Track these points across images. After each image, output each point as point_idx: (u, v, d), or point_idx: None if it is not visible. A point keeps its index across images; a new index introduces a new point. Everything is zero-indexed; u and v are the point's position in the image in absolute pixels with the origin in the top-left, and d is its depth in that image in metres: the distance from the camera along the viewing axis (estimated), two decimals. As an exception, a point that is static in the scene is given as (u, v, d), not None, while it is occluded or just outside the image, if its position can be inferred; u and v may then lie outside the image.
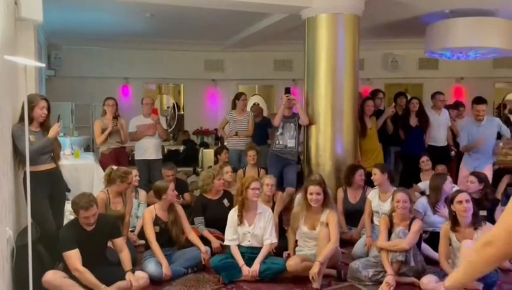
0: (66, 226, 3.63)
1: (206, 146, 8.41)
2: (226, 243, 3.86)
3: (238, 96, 6.31)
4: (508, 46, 5.76)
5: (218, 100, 9.19)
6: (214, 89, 9.16)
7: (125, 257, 3.46)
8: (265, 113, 8.04)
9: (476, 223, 3.37)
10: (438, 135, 5.99)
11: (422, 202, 4.30)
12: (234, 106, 6.37)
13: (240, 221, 3.77)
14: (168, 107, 10.15)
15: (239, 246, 3.80)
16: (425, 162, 5.34)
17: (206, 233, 4.29)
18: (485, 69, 8.45)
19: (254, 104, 8.76)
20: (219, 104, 9.15)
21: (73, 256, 3.23)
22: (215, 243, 4.19)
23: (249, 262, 3.72)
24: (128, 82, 8.74)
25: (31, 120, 3.50)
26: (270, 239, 3.76)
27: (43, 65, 4.68)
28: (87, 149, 7.01)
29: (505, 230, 1.14)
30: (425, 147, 6.14)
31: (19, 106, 3.58)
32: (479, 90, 8.10)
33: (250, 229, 3.79)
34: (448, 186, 4.20)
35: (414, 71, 8.85)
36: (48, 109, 3.74)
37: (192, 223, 4.36)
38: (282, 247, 4.05)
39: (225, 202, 4.54)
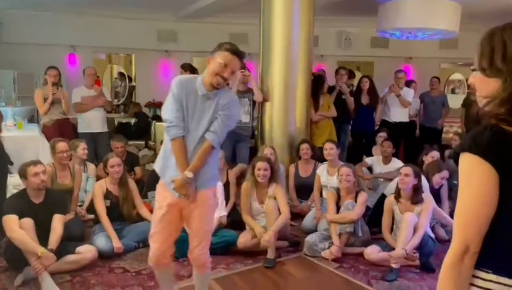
0: (13, 195, 3.50)
1: (158, 119, 8.24)
2: None
3: (185, 66, 6.15)
4: (453, 28, 6.01)
5: (171, 72, 8.96)
6: (167, 61, 8.93)
7: (56, 236, 3.21)
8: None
9: (415, 198, 3.56)
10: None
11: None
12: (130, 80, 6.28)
13: None
14: (116, 78, 9.80)
15: None
16: (381, 137, 5.56)
17: None
18: (431, 50, 8.80)
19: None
20: (172, 76, 8.89)
21: (11, 221, 3.10)
22: None
23: None
24: (76, 51, 8.32)
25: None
26: (219, 212, 3.80)
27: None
28: (31, 119, 6.68)
29: (477, 226, 1.06)
30: (375, 124, 6.43)
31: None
32: (425, 70, 8.51)
33: None
34: (437, 180, 3.99)
35: (366, 49, 9.04)
36: None
37: (144, 197, 4.31)
38: (235, 221, 4.12)
39: None
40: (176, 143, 2.36)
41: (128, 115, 8.67)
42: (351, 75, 7.01)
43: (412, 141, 6.70)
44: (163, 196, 2.45)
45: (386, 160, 5.18)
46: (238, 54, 2.32)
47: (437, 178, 3.97)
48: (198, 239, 2.51)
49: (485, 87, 1.10)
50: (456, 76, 10.11)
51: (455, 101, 8.10)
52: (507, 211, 1.04)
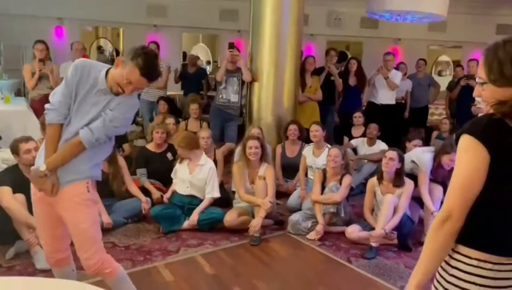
0: (6, 169, 3.54)
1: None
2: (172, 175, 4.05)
3: (148, 44, 6.15)
4: (441, 12, 6.06)
5: (159, 48, 8.89)
6: (156, 36, 8.83)
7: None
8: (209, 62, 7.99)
9: (397, 181, 3.70)
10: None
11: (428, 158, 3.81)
12: (118, 54, 6.28)
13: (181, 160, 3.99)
14: (102, 49, 9.66)
15: (179, 194, 3.93)
16: (357, 117, 5.66)
17: (148, 184, 4.34)
18: (420, 32, 8.87)
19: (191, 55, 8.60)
20: (161, 52, 8.85)
21: (4, 192, 3.15)
22: (156, 194, 4.26)
23: (188, 213, 3.88)
24: (63, 23, 8.19)
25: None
26: (211, 193, 3.90)
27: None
28: (17, 93, 6.62)
29: (464, 197, 1.20)
30: (361, 105, 6.53)
31: None
32: (414, 51, 8.59)
33: (190, 177, 3.93)
34: (446, 161, 3.69)
35: (356, 29, 9.07)
36: None
37: (133, 173, 4.38)
38: (222, 199, 4.23)
39: (169, 155, 4.57)
40: (51, 129, 2.12)
41: (115, 90, 8.60)
42: (343, 56, 7.05)
43: (399, 123, 6.81)
44: (34, 188, 2.21)
45: (371, 142, 5.30)
46: (148, 77, 2.05)
47: (446, 159, 3.70)
48: (77, 241, 2.19)
49: (496, 95, 1.22)
50: (444, 58, 10.23)
51: (442, 83, 8.24)
52: (492, 190, 1.19)
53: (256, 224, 3.68)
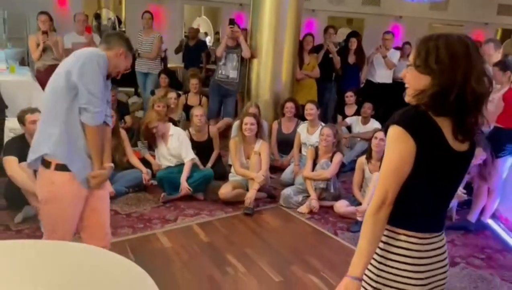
0: (13, 138, 3.70)
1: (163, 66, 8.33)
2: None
3: (142, 14, 6.19)
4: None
5: (161, 20, 8.91)
6: (157, 7, 8.84)
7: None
8: (210, 35, 8.00)
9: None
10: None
11: None
12: (120, 24, 6.33)
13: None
14: (109, 19, 9.70)
15: (169, 168, 4.19)
16: (348, 97, 5.81)
17: (148, 156, 4.54)
18: (422, 10, 8.88)
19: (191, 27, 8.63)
20: (163, 25, 8.90)
21: (11, 161, 3.32)
22: (156, 165, 4.46)
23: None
24: (65, -9, 8.18)
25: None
26: (187, 156, 4.14)
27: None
28: (22, 62, 6.72)
29: (393, 184, 1.33)
30: (360, 83, 6.65)
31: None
32: (415, 29, 8.63)
33: (167, 150, 4.21)
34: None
35: (358, 6, 9.07)
36: None
37: (134, 145, 4.57)
38: (219, 172, 4.44)
39: None
40: (100, 130, 2.14)
41: (118, 61, 8.68)
42: (354, 35, 7.02)
43: (397, 102, 6.91)
44: (70, 191, 2.14)
45: (365, 120, 5.47)
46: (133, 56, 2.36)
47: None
48: (107, 219, 2.41)
49: (417, 81, 1.35)
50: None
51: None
52: (418, 176, 1.34)
53: (250, 196, 3.91)
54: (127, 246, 3.18)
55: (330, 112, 6.32)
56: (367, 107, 5.44)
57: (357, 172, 4.08)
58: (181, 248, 3.22)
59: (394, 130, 1.33)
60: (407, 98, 1.40)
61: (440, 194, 1.44)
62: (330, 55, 6.22)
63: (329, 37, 6.23)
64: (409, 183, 1.35)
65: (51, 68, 5.55)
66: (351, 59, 6.40)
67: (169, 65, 8.33)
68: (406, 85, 1.41)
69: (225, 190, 4.04)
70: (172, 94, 5.40)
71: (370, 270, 1.45)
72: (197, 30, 8.24)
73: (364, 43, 6.62)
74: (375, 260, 1.44)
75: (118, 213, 3.73)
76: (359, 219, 3.73)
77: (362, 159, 4.05)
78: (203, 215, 3.83)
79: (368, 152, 4.02)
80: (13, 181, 3.37)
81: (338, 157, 4.11)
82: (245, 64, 5.58)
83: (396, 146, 1.33)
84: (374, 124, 5.35)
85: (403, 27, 9.26)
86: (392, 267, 1.42)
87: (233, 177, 4.26)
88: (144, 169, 4.25)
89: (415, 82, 1.37)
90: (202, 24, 10.24)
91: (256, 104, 4.91)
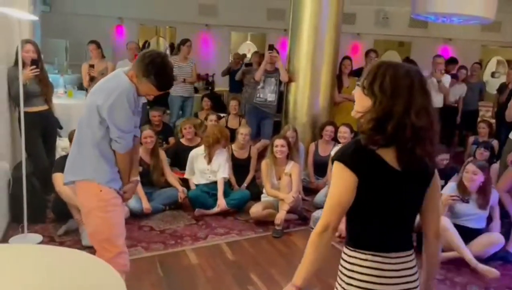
0: (62, 156, 4.02)
1: (195, 91, 8.70)
2: (185, 175, 4.58)
3: (183, 41, 6.46)
4: (488, 15, 5.92)
5: (210, 46, 9.33)
6: (206, 35, 9.27)
7: None
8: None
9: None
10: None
11: (451, 186, 3.73)
12: (177, 52, 6.56)
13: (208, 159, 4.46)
14: (148, 44, 10.24)
15: (201, 185, 4.42)
16: None
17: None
18: (473, 32, 8.61)
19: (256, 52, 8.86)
20: (211, 50, 9.31)
21: (58, 178, 3.55)
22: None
23: (214, 198, 4.35)
24: (123, 22, 8.83)
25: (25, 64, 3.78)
26: (222, 174, 4.37)
27: (36, 18, 4.84)
28: (80, 87, 7.28)
29: (336, 212, 1.43)
30: None
31: (13, 51, 3.86)
32: (467, 52, 8.37)
33: (208, 167, 4.42)
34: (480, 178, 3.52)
35: (404, 29, 8.97)
36: (38, 52, 3.98)
37: (173, 165, 4.80)
38: (252, 192, 4.56)
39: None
40: (129, 154, 2.31)
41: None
42: (453, 62, 7.01)
43: (449, 127, 6.75)
44: (115, 196, 2.31)
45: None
46: (166, 88, 2.30)
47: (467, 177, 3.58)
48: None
49: (361, 101, 1.43)
50: (498, 59, 9.83)
51: (494, 85, 8.00)
52: (361, 204, 1.43)
53: (279, 217, 3.95)
54: (156, 261, 3.34)
55: None
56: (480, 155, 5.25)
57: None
58: (207, 265, 3.32)
59: (336, 165, 1.43)
60: (352, 113, 1.48)
61: (397, 215, 1.48)
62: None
63: (370, 60, 6.23)
64: (365, 209, 1.43)
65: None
66: None
67: (216, 89, 8.68)
68: (355, 105, 1.48)
69: (255, 209, 4.12)
70: (213, 117, 5.61)
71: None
72: (243, 56, 8.52)
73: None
74: (343, 281, 1.51)
75: (153, 229, 3.92)
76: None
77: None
78: (233, 234, 3.92)
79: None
80: (60, 196, 3.66)
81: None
82: (283, 87, 5.71)
83: (337, 181, 1.43)
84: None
85: (453, 50, 9.02)
86: (360, 287, 1.46)
87: (265, 197, 4.33)
88: (180, 188, 4.44)
89: (358, 102, 1.45)
90: (252, 49, 10.54)
91: (293, 128, 4.97)
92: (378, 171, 1.40)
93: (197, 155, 4.51)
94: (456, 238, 3.43)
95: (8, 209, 3.75)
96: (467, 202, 3.51)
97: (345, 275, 1.49)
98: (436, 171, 1.51)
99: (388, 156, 1.40)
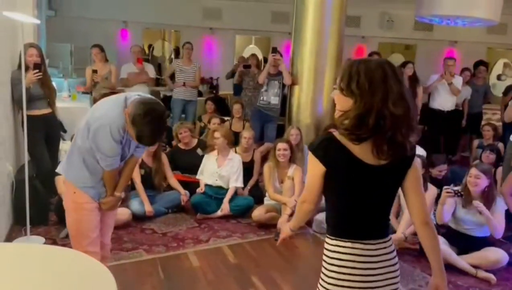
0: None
1: (200, 94, 8.71)
2: (197, 176, 4.52)
3: (183, 44, 6.50)
4: (493, 17, 5.89)
5: (214, 49, 9.35)
6: (211, 38, 9.30)
7: None
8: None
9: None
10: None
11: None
12: (183, 55, 6.56)
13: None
14: (152, 48, 10.29)
15: (207, 186, 4.41)
16: None
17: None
18: (479, 34, 8.56)
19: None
20: (215, 54, 9.33)
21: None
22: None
23: (217, 202, 4.34)
24: (127, 26, 8.88)
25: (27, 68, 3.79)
26: (236, 183, 4.37)
27: (38, 21, 4.89)
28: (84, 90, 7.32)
29: (310, 192, 1.60)
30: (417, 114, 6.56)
31: (17, 54, 3.89)
32: (472, 54, 8.31)
33: (218, 170, 4.39)
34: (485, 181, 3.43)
35: (409, 31, 8.94)
36: (41, 56, 4.01)
37: (174, 169, 4.80)
38: (255, 195, 4.55)
39: (199, 151, 4.97)
40: (115, 171, 2.38)
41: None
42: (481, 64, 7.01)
43: (456, 130, 6.72)
44: (88, 200, 2.36)
45: (409, 147, 5.32)
46: (147, 144, 2.30)
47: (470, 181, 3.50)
48: (111, 230, 2.63)
49: (342, 103, 1.49)
50: (503, 61, 9.75)
51: (500, 89, 7.94)
52: (334, 193, 1.56)
53: (282, 221, 3.93)
54: (158, 263, 3.33)
55: None
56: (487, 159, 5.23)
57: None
58: (208, 268, 3.31)
59: (310, 154, 1.56)
60: (335, 115, 1.53)
61: (370, 205, 1.56)
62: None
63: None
64: (338, 199, 1.53)
65: (106, 96, 6.08)
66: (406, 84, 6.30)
67: (220, 93, 8.69)
68: (336, 107, 1.54)
69: (258, 212, 4.11)
70: (216, 120, 5.62)
71: (322, 279, 1.60)
72: (247, 59, 8.49)
73: (416, 69, 6.52)
74: (326, 269, 1.58)
75: (155, 232, 3.92)
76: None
77: (398, 185, 3.95)
78: (235, 237, 3.91)
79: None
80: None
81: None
82: (286, 90, 5.70)
83: (309, 167, 1.57)
84: (418, 151, 5.19)
85: (458, 53, 8.96)
86: (341, 273, 1.54)
87: (267, 201, 4.32)
88: (182, 191, 4.44)
89: (341, 104, 1.50)
90: (257, 53, 10.54)
91: (297, 127, 4.97)
92: (344, 162, 1.49)
93: (210, 156, 4.52)
94: (449, 254, 3.41)
95: (12, 211, 3.77)
96: (461, 195, 3.42)
97: (327, 262, 1.57)
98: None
99: (358, 150, 1.47)
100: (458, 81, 6.32)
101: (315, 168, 1.54)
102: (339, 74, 1.51)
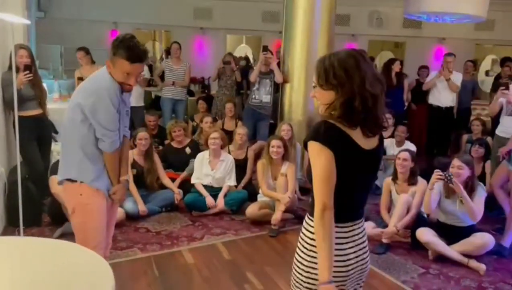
0: (58, 160, 4.04)
1: (191, 94, 8.72)
2: (192, 181, 4.49)
3: (171, 44, 6.50)
4: (480, 13, 5.97)
5: (205, 49, 9.36)
6: (202, 38, 9.31)
7: None
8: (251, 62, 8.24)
9: (411, 180, 3.84)
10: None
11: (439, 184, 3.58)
12: (169, 55, 6.62)
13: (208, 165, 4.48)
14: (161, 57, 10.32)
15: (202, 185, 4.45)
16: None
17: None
18: (467, 31, 8.66)
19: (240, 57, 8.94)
20: (206, 53, 9.34)
21: (54, 180, 3.51)
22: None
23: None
24: (117, 27, 8.85)
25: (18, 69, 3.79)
26: (229, 181, 4.46)
27: (28, 22, 4.87)
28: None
29: (327, 190, 1.46)
30: (404, 104, 6.65)
31: (8, 55, 3.88)
32: (460, 51, 8.40)
33: (212, 173, 4.43)
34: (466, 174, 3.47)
35: (398, 29, 9.02)
36: (31, 57, 4.00)
37: (167, 167, 4.81)
38: (249, 193, 4.57)
39: (187, 150, 5.03)
40: (116, 153, 2.32)
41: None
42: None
43: (448, 125, 6.77)
44: (96, 201, 2.32)
45: (400, 143, 5.39)
46: (138, 60, 2.17)
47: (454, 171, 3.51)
48: (113, 228, 2.61)
49: (325, 98, 1.53)
50: (492, 57, 9.87)
51: (489, 84, 8.04)
52: (341, 177, 1.49)
53: (276, 217, 3.96)
54: (152, 261, 3.35)
55: None
56: (401, 130, 5.37)
57: (385, 194, 4.03)
58: (203, 265, 3.33)
59: (313, 146, 1.48)
60: (320, 112, 1.55)
61: (361, 188, 1.61)
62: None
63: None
64: (338, 185, 1.49)
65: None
66: (394, 81, 6.37)
67: (211, 92, 8.69)
68: (319, 103, 1.56)
69: (251, 209, 4.14)
70: (208, 119, 5.64)
71: (300, 256, 1.62)
72: (236, 58, 8.48)
73: (406, 65, 6.60)
74: (305, 248, 1.58)
75: (149, 231, 3.92)
76: (384, 241, 3.67)
77: (388, 180, 4.01)
78: (229, 234, 3.93)
79: (393, 173, 3.98)
80: (56, 198, 3.67)
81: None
82: (278, 88, 5.74)
83: (317, 161, 1.47)
84: (409, 146, 5.25)
85: (446, 49, 9.05)
86: None
87: (261, 197, 4.34)
88: (176, 189, 4.45)
89: (323, 99, 1.53)
90: (248, 52, 10.56)
91: (289, 123, 5.01)
92: (348, 147, 1.49)
93: (203, 158, 4.52)
94: (438, 245, 3.50)
95: (4, 212, 3.76)
96: (450, 180, 3.42)
97: (307, 243, 1.57)
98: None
99: (355, 135, 1.50)
100: (457, 77, 6.33)
101: (326, 158, 1.45)
102: (314, 73, 1.54)
